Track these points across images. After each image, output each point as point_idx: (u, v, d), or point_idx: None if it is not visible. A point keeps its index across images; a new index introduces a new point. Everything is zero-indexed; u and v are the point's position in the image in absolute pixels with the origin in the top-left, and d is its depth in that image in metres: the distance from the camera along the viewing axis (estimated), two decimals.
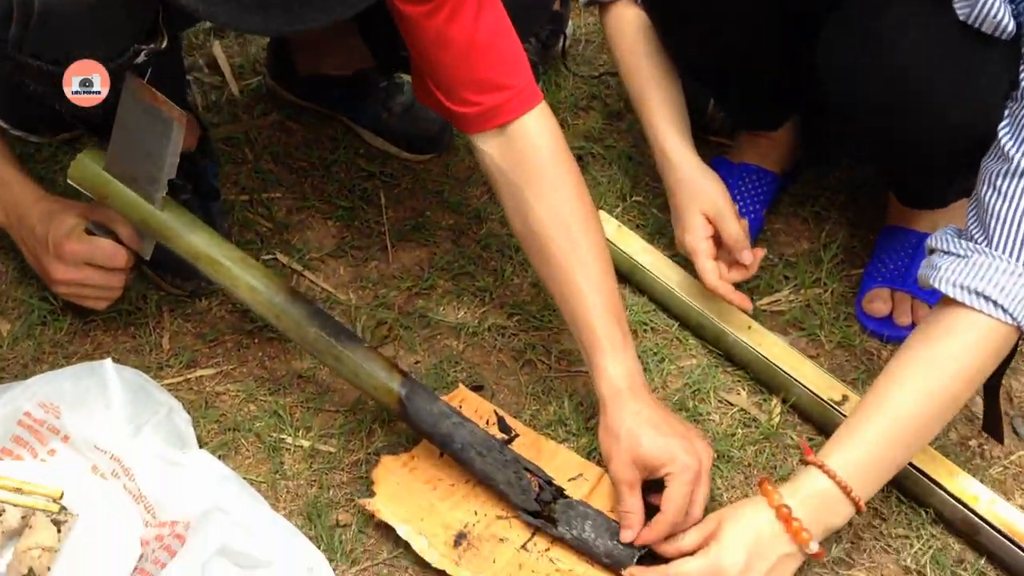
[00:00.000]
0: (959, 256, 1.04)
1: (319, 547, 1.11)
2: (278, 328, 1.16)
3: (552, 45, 1.72)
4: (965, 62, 1.07)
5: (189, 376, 1.31)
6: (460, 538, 1.10)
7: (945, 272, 1.04)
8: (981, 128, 1.07)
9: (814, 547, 1.01)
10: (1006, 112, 1.04)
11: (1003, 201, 1.02)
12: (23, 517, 1.05)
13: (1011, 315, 1.01)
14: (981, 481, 1.16)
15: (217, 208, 1.37)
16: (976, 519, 1.13)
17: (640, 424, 1.09)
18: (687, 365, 1.34)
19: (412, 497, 1.15)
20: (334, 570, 1.10)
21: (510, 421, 1.24)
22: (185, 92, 1.49)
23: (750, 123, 1.51)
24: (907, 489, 1.18)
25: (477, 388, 1.31)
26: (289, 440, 1.24)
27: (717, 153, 1.53)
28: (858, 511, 1.03)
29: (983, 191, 1.04)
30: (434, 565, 1.08)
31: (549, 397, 1.30)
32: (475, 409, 1.24)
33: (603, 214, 1.46)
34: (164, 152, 1.11)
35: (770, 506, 1.02)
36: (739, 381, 1.32)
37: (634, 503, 1.08)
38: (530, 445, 1.21)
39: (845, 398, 1.24)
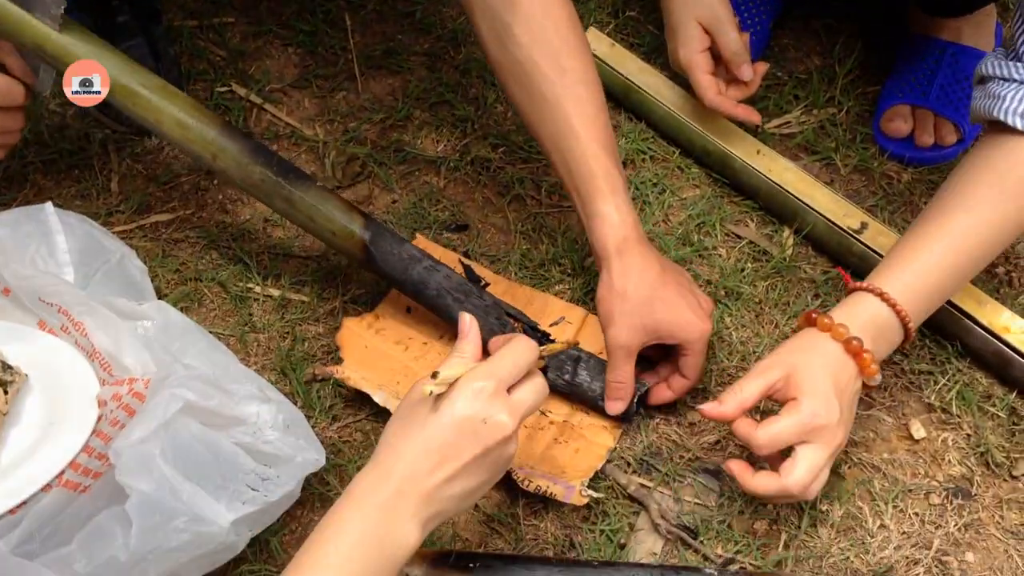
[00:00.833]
0: (1021, 82, 0.93)
1: (295, 403, 1.02)
2: (215, 170, 1.02)
3: None
4: None
5: (143, 222, 1.18)
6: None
7: (1011, 103, 0.92)
8: None
9: (879, 378, 0.92)
10: None
11: None
12: None
13: None
14: (1011, 310, 1.07)
15: (160, 33, 1.22)
16: (1007, 350, 1.04)
17: (652, 284, 0.97)
18: (690, 196, 1.22)
19: (383, 360, 1.05)
20: (313, 427, 1.00)
21: (478, 269, 1.13)
22: None
23: None
24: (932, 321, 1.08)
25: (461, 228, 1.20)
26: (257, 289, 1.13)
27: None
28: (907, 340, 0.94)
29: None
30: None
31: (540, 235, 1.19)
32: (438, 258, 1.13)
33: (593, 32, 1.32)
34: None
35: (835, 340, 0.91)
36: (747, 212, 1.21)
37: (627, 373, 0.98)
38: (503, 293, 1.11)
39: (864, 226, 1.13)
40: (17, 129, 1.06)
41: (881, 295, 0.92)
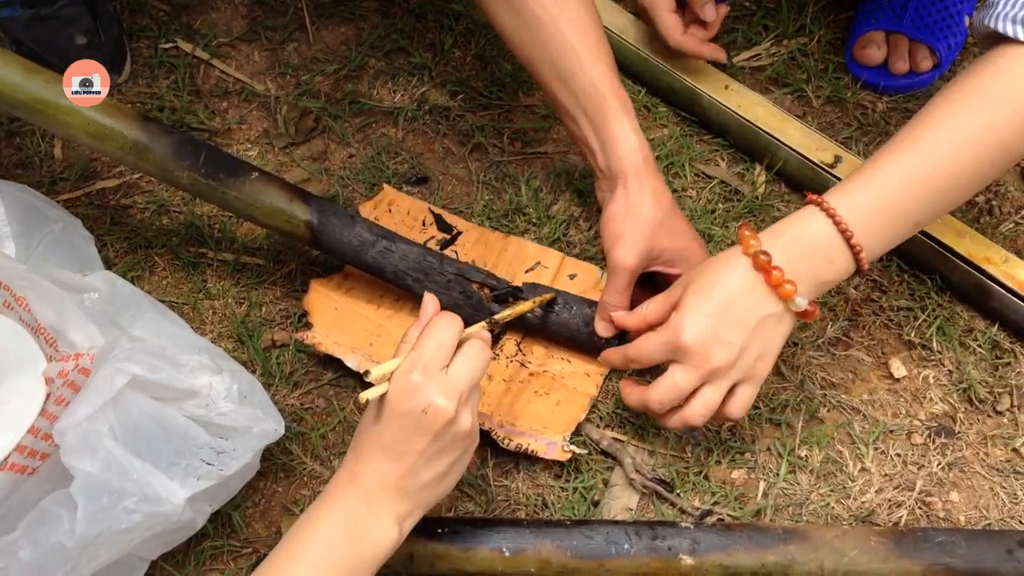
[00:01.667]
0: None
1: (253, 372, 0.98)
2: (139, 170, 0.96)
3: None
4: None
5: (88, 189, 1.13)
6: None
7: (1003, 7, 0.83)
8: None
9: (801, 302, 0.81)
10: None
11: None
12: None
13: None
14: (991, 240, 1.04)
15: None
16: (988, 282, 1.01)
17: (666, 209, 0.94)
18: (658, 136, 1.18)
19: (355, 321, 1.01)
20: (273, 395, 0.97)
21: (449, 218, 1.09)
22: None
23: None
24: (909, 255, 1.06)
25: (421, 180, 1.15)
26: (210, 255, 1.08)
27: None
28: (859, 269, 0.82)
29: None
30: None
31: (503, 184, 1.14)
32: (407, 211, 1.09)
33: None
34: None
35: (744, 254, 0.82)
36: (717, 150, 1.17)
37: (624, 296, 0.93)
38: (476, 241, 1.07)
39: (838, 159, 1.09)
40: None
41: (820, 204, 0.81)
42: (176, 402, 0.88)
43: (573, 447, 0.92)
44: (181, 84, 1.21)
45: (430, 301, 0.83)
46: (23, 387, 0.92)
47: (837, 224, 0.81)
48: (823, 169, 1.09)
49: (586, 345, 0.98)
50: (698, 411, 0.84)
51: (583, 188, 1.13)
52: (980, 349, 1.01)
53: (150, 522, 0.80)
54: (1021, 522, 0.92)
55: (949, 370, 1.00)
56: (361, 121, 1.20)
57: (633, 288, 0.94)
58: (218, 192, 0.94)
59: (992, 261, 1.01)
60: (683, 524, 0.87)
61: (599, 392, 0.99)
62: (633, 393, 0.87)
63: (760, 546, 0.85)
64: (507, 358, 1.00)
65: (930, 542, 0.85)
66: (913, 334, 1.02)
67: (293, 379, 1.00)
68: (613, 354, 0.89)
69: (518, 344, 1.01)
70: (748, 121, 1.13)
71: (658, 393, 0.83)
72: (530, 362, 1.00)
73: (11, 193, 1.01)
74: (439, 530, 0.85)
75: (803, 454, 0.95)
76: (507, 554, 0.85)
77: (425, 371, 0.75)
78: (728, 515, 0.91)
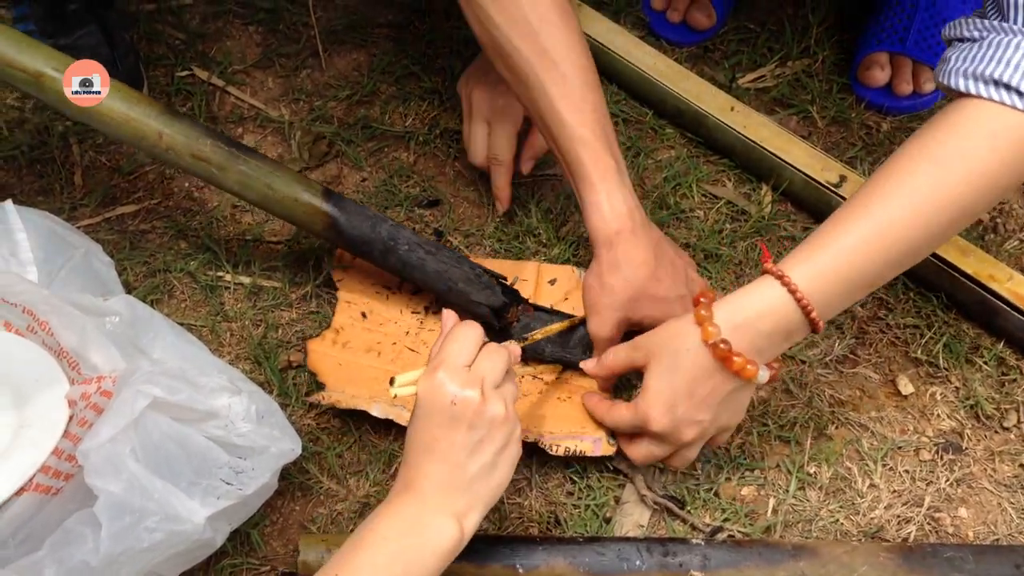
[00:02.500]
0: (972, 40, 0.82)
1: (270, 392, 1.00)
2: (162, 149, 0.97)
3: None
4: None
5: (108, 215, 1.16)
6: None
7: (954, 63, 0.82)
8: None
9: (763, 377, 0.83)
10: None
11: None
12: None
13: None
14: (996, 258, 1.05)
15: (113, 18, 1.19)
16: (994, 300, 1.02)
17: (642, 280, 0.93)
18: (665, 157, 1.20)
19: (363, 372, 1.01)
20: (290, 416, 0.99)
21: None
22: None
23: None
24: (915, 273, 1.07)
25: (433, 203, 1.17)
26: (228, 278, 1.11)
27: None
28: (814, 331, 0.83)
29: None
30: None
31: (514, 206, 1.16)
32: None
33: None
34: None
35: (704, 343, 0.83)
36: (724, 171, 1.19)
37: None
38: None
39: (843, 179, 1.11)
40: None
41: (782, 279, 0.81)
42: (196, 423, 0.89)
43: (616, 441, 0.94)
44: (198, 111, 1.24)
45: (449, 316, 0.86)
46: (47, 409, 0.94)
47: (798, 300, 0.81)
48: (828, 189, 1.10)
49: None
50: (677, 465, 0.92)
51: None
52: (986, 366, 1.02)
53: (171, 540, 0.81)
54: None
55: (956, 387, 1.02)
56: (373, 145, 1.22)
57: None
58: (240, 161, 0.96)
59: (997, 279, 1.03)
60: (694, 540, 0.88)
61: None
62: (622, 442, 0.93)
63: (770, 562, 0.86)
64: (519, 376, 1.02)
65: (939, 557, 0.86)
66: (920, 351, 1.04)
67: (309, 400, 1.02)
68: (594, 407, 0.95)
69: (523, 362, 1.03)
70: (753, 142, 1.15)
71: (636, 456, 0.91)
72: (541, 376, 1.02)
73: (34, 220, 1.04)
74: None
75: (812, 471, 0.96)
76: (520, 571, 0.86)
77: (448, 367, 0.78)
78: (739, 531, 0.92)
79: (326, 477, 0.97)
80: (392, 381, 0.80)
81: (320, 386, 1.00)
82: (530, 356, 1.01)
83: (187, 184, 1.19)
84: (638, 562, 0.86)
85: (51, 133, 1.21)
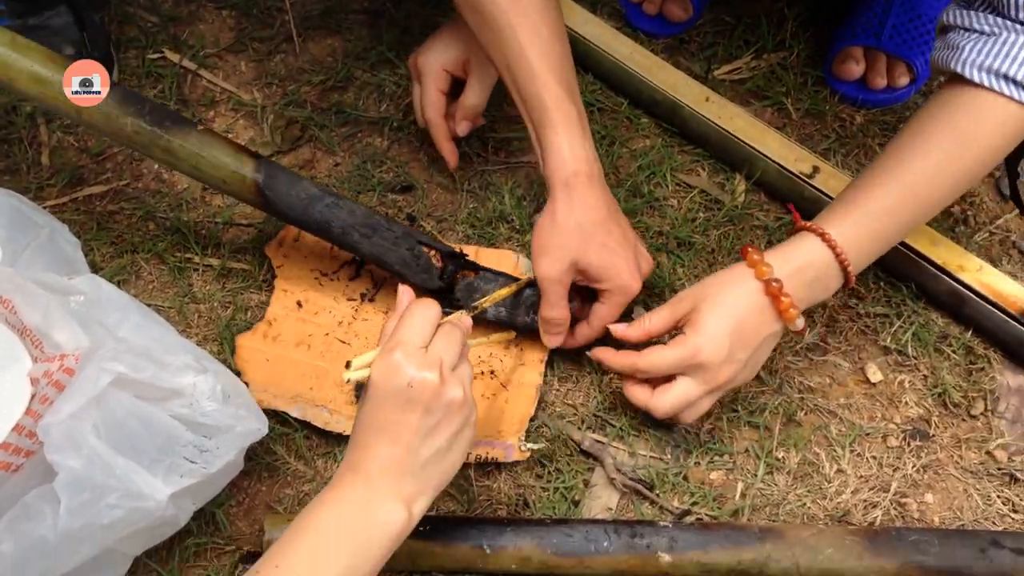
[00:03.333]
0: (984, 34, 0.90)
1: (238, 374, 0.99)
2: (83, 124, 0.95)
3: None
4: None
5: (75, 195, 1.14)
6: (360, 388, 0.95)
7: (970, 54, 0.89)
8: None
9: (800, 323, 0.90)
10: None
11: None
12: None
13: None
14: (966, 248, 1.06)
15: (83, 1, 1.17)
16: (962, 289, 1.03)
17: (594, 223, 0.93)
18: (640, 146, 1.20)
19: (290, 368, 1.00)
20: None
21: None
22: None
23: None
24: (886, 263, 1.07)
25: (407, 189, 1.17)
26: (196, 259, 1.09)
27: None
28: (847, 286, 0.91)
29: None
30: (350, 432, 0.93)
31: (487, 193, 1.16)
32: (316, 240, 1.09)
33: None
34: None
35: (757, 279, 0.89)
36: (698, 160, 1.19)
37: (563, 311, 0.95)
38: None
39: (816, 170, 1.11)
40: None
41: (823, 236, 0.89)
42: (160, 401, 0.88)
43: (531, 445, 0.93)
44: (168, 93, 1.22)
45: (405, 293, 0.85)
46: (8, 386, 0.92)
47: (838, 255, 0.89)
48: (801, 179, 1.11)
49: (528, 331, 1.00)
50: (691, 417, 0.92)
51: None
52: (955, 355, 1.03)
53: (132, 517, 0.80)
54: (994, 523, 0.93)
55: (924, 375, 1.02)
56: (347, 131, 1.21)
57: (567, 299, 0.95)
58: (163, 141, 0.93)
59: (966, 269, 1.03)
60: (662, 523, 0.88)
61: (543, 378, 1.00)
62: (639, 397, 0.92)
63: (737, 544, 0.86)
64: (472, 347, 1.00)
65: (904, 541, 0.86)
66: (889, 340, 1.04)
67: None
68: (618, 358, 0.93)
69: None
70: (728, 132, 1.15)
71: (667, 403, 0.90)
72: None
73: None
74: (420, 528, 0.86)
75: (781, 456, 0.96)
76: (488, 552, 0.86)
77: (405, 349, 0.77)
78: (706, 515, 0.92)
79: (293, 458, 0.96)
80: (348, 364, 0.78)
81: (244, 385, 0.98)
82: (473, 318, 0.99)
83: (156, 167, 1.17)
84: (606, 543, 0.86)
85: (18, 113, 1.19)
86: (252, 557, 0.90)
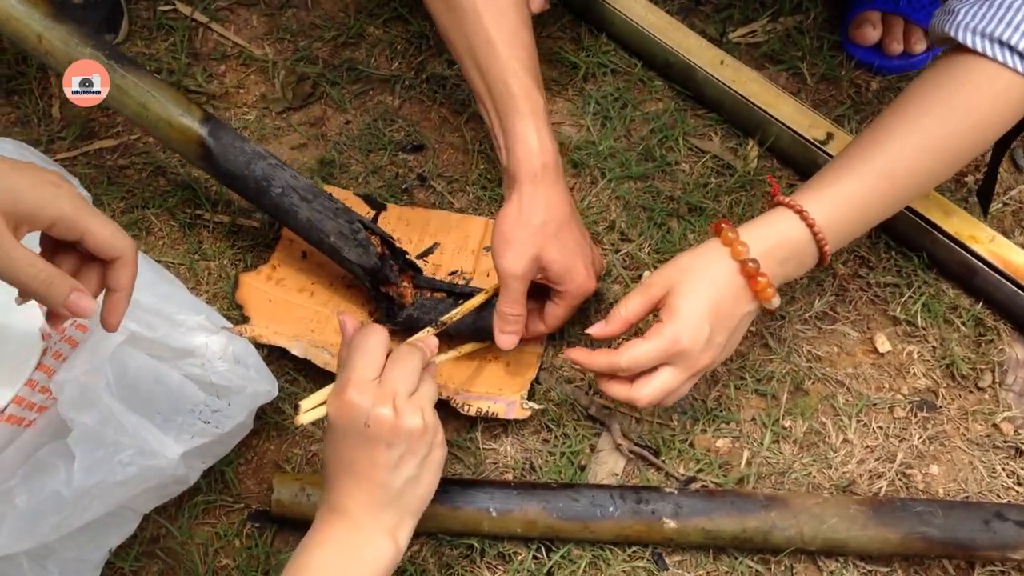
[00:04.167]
0: None
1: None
2: (40, 54, 0.94)
3: None
4: None
5: (86, 149, 1.14)
6: None
7: (964, 17, 0.85)
8: None
9: (776, 303, 0.85)
10: None
11: None
12: None
13: None
14: (978, 218, 1.05)
15: None
16: (973, 260, 1.02)
17: (558, 221, 0.91)
18: (653, 109, 1.19)
19: (291, 311, 1.01)
20: (267, 356, 0.98)
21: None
22: None
23: None
24: (897, 232, 1.07)
25: (417, 148, 1.16)
26: (207, 216, 1.09)
27: None
28: (821, 264, 0.86)
29: None
30: None
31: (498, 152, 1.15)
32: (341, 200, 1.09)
33: None
34: None
35: (733, 259, 0.84)
36: (711, 124, 1.18)
37: (520, 304, 0.92)
38: (396, 218, 1.09)
39: (830, 136, 1.10)
40: None
41: (801, 213, 0.84)
42: (173, 360, 0.89)
43: (532, 404, 0.94)
44: (179, 46, 1.21)
45: (347, 321, 0.82)
46: (20, 342, 0.93)
47: (815, 233, 0.84)
48: (815, 145, 1.10)
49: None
50: (672, 401, 0.87)
51: (576, 159, 1.14)
52: (964, 326, 1.03)
53: (145, 475, 0.81)
54: (999, 496, 0.94)
55: (933, 346, 1.02)
56: (358, 88, 1.21)
57: (525, 296, 0.93)
58: (116, 74, 0.93)
59: (978, 240, 1.03)
60: (667, 489, 0.89)
61: (543, 349, 1.00)
62: (619, 392, 0.86)
63: (742, 511, 0.86)
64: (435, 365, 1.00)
65: (908, 511, 0.87)
66: (899, 310, 1.04)
67: (231, 330, 1.01)
68: (596, 359, 0.86)
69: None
70: (742, 96, 1.14)
71: (650, 395, 0.84)
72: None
73: (8, 150, 1.01)
74: None
75: (787, 424, 0.97)
76: (494, 514, 0.87)
77: (356, 386, 0.75)
78: (712, 482, 0.93)
79: None
80: (297, 408, 0.78)
81: (245, 320, 0.99)
82: (466, 333, 0.98)
83: None
84: (611, 508, 0.87)
85: (29, 64, 1.19)
86: (260, 515, 0.91)
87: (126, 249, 0.69)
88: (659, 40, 1.19)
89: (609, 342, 0.94)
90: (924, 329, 1.03)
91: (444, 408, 0.93)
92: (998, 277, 1.02)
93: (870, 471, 0.94)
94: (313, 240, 0.96)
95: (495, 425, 0.96)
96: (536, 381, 0.98)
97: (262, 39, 1.24)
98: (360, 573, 0.74)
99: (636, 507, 0.87)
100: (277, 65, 1.21)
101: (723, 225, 0.85)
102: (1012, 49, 0.83)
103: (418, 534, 0.88)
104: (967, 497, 0.93)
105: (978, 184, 1.13)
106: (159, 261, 1.02)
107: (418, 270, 1.01)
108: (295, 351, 0.95)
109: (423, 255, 1.06)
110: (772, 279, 0.84)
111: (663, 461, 0.94)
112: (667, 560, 0.90)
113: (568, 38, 1.24)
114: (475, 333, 0.97)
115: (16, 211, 0.65)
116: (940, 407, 0.99)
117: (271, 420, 0.96)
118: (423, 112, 1.19)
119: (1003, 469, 0.95)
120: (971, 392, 1.00)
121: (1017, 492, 0.94)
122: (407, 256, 1.00)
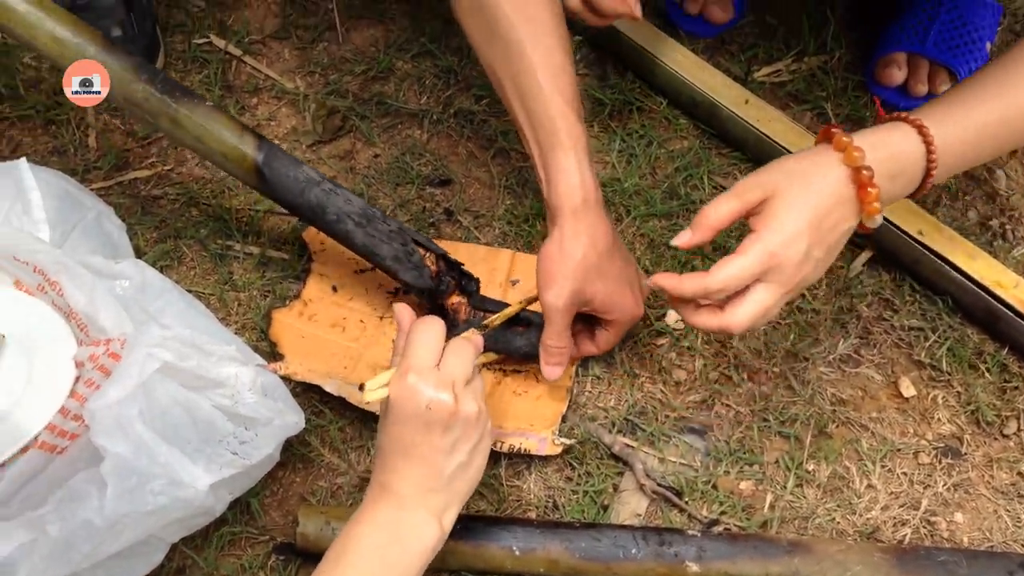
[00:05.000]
0: None
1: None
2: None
3: None
4: None
5: (121, 179, 1.16)
6: None
7: None
8: None
9: (879, 220, 0.79)
10: None
11: None
12: None
13: None
14: (1004, 264, 1.05)
15: None
16: (998, 306, 1.03)
17: (600, 253, 0.92)
18: (678, 148, 1.20)
19: (324, 347, 1.02)
20: (294, 389, 0.99)
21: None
22: None
23: None
24: (921, 275, 1.08)
25: (445, 183, 1.17)
26: (237, 247, 1.11)
27: None
28: (919, 192, 0.82)
29: None
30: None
31: (525, 189, 1.16)
32: None
33: None
34: None
35: (847, 165, 0.78)
36: (735, 163, 1.19)
37: (565, 337, 0.94)
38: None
39: None
40: None
41: (921, 128, 0.80)
42: (203, 391, 0.90)
43: (564, 439, 0.95)
44: (213, 79, 1.23)
45: (403, 311, 0.87)
46: (54, 369, 0.94)
47: (929, 154, 0.80)
48: None
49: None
50: (764, 322, 0.82)
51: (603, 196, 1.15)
52: (989, 372, 1.03)
53: (174, 505, 0.82)
54: (1023, 546, 0.94)
55: (958, 391, 1.02)
56: (387, 122, 1.22)
57: (570, 328, 0.94)
58: (170, 110, 0.94)
59: (1003, 285, 1.03)
60: (690, 532, 0.89)
61: (572, 381, 1.01)
62: (709, 322, 0.81)
63: (765, 556, 0.87)
64: (478, 365, 1.01)
65: (932, 560, 0.86)
66: (923, 354, 1.04)
67: (266, 368, 1.02)
68: (685, 283, 0.81)
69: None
70: (766, 136, 1.15)
71: (746, 318, 0.79)
72: (499, 365, 1.02)
73: (47, 179, 1.04)
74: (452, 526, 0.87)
75: (811, 468, 0.97)
76: (517, 553, 0.87)
77: (418, 371, 0.79)
78: (735, 525, 0.93)
79: (327, 451, 0.97)
80: (362, 387, 0.80)
81: (279, 357, 1.01)
82: (500, 349, 1.00)
83: None
84: (634, 550, 0.87)
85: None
86: (285, 548, 0.92)
87: None
88: (684, 78, 1.20)
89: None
90: (949, 374, 1.03)
91: None
92: (1023, 322, 1.02)
93: (894, 518, 0.94)
94: (373, 263, 0.99)
95: (519, 462, 0.97)
96: (563, 418, 0.99)
97: (294, 72, 1.26)
98: (405, 552, 0.77)
99: (659, 549, 0.87)
100: (308, 98, 1.23)
101: (834, 129, 0.79)
102: None
103: (440, 571, 0.89)
104: (991, 546, 0.93)
105: (1002, 228, 1.14)
106: (190, 291, 1.03)
107: (473, 282, 1.02)
108: (329, 388, 0.97)
109: None
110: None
111: (686, 502, 0.94)
112: None
113: (594, 75, 1.26)
114: (525, 358, 1.00)
115: None
116: (965, 454, 0.99)
117: (297, 452, 0.97)
118: (450, 147, 1.21)
119: None
120: (996, 439, 1.00)
121: None
122: (462, 267, 1.01)
